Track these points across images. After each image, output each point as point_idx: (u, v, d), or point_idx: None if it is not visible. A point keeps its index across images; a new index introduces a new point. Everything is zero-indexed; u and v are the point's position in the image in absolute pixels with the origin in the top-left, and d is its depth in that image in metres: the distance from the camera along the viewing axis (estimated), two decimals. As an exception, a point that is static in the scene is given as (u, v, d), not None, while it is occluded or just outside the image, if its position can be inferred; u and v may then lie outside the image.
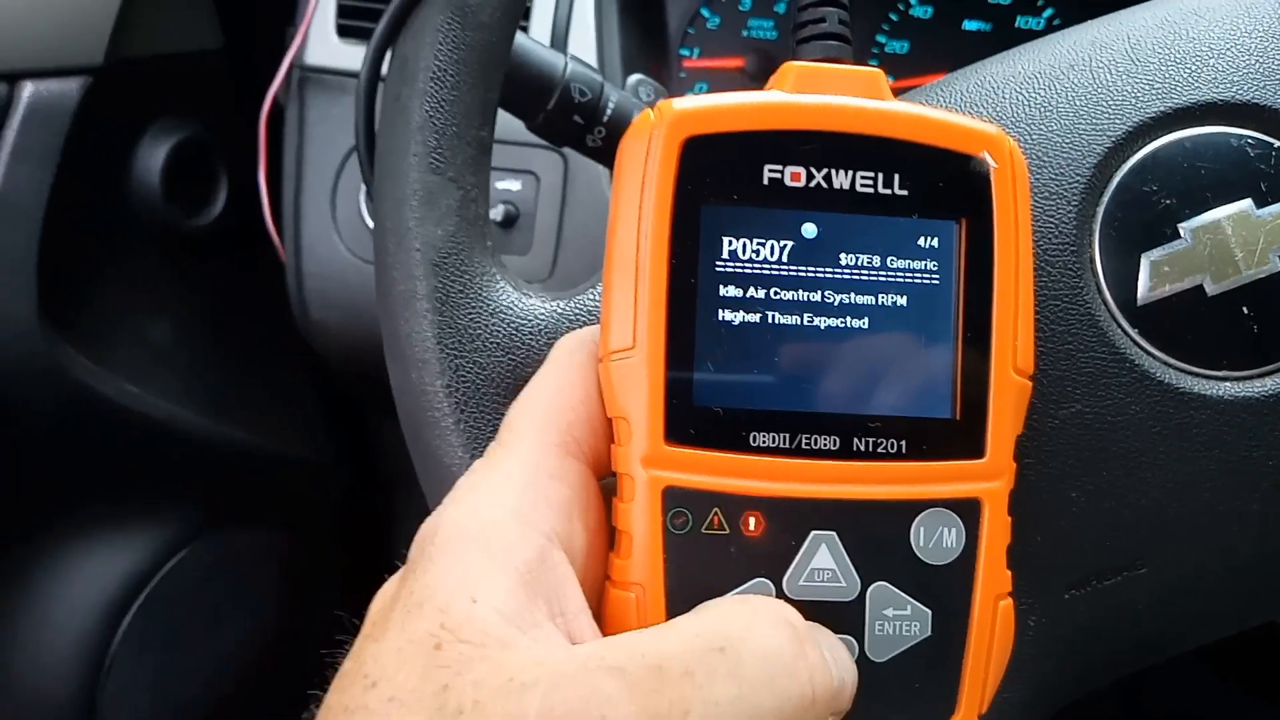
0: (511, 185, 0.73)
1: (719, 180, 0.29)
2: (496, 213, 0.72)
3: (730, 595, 0.28)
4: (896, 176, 0.30)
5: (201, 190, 0.82)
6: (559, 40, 0.72)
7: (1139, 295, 0.35)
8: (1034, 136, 0.36)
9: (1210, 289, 0.35)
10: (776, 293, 0.29)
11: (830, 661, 0.27)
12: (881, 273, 0.30)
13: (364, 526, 1.03)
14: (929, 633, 0.30)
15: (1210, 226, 0.35)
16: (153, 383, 0.80)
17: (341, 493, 1.03)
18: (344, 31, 0.77)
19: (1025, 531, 0.34)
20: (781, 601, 0.28)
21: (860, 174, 0.30)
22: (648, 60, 0.80)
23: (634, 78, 0.54)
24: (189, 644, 0.86)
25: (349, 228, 0.75)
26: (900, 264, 0.30)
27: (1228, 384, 0.35)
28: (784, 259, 0.29)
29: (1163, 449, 0.34)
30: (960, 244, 0.30)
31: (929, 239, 0.30)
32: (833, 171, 0.29)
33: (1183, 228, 0.35)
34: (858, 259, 0.30)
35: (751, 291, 0.29)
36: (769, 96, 0.30)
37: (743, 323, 0.29)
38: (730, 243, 0.29)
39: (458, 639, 0.24)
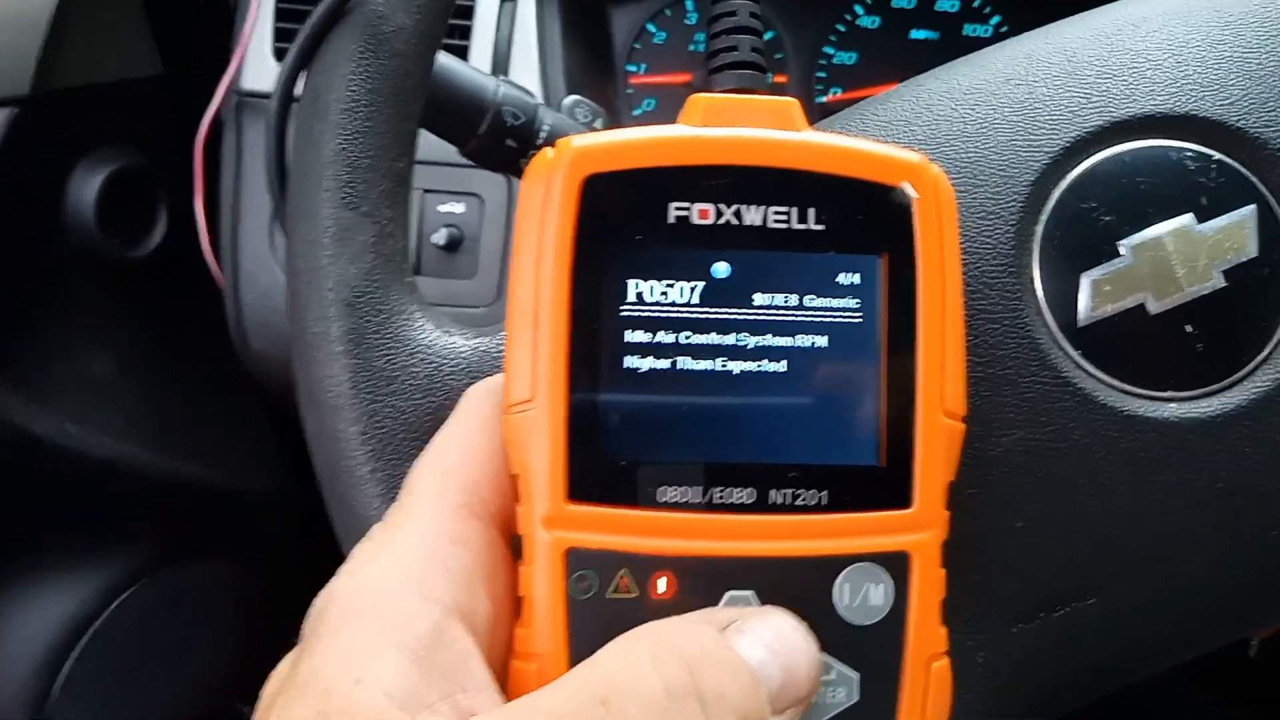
0: (455, 208, 0.71)
1: (622, 220, 0.28)
2: (440, 236, 0.70)
3: (626, 634, 0.26)
4: (812, 211, 0.28)
5: (141, 219, 0.80)
6: (500, 61, 0.71)
7: (1080, 316, 0.34)
8: (969, 154, 0.35)
9: (1152, 307, 0.34)
10: (687, 337, 0.28)
11: (758, 662, 0.25)
12: (799, 313, 0.28)
13: (324, 554, 1.00)
14: (856, 698, 0.28)
15: (1151, 243, 0.34)
16: (94, 420, 0.77)
17: (299, 521, 1.01)
18: (281, 55, 0.75)
19: (969, 564, 0.33)
20: (680, 628, 0.26)
21: (773, 209, 0.28)
22: (593, 78, 0.79)
23: (569, 99, 0.52)
24: (138, 689, 0.84)
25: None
26: (819, 303, 0.28)
27: (1173, 405, 0.34)
28: (694, 301, 0.28)
29: (1108, 474, 0.33)
30: (883, 280, 0.28)
31: (849, 275, 0.28)
32: (743, 207, 0.28)
33: (1123, 245, 0.34)
34: (773, 299, 0.28)
35: (660, 336, 0.27)
36: (674, 130, 0.29)
37: (650, 370, 0.27)
38: (636, 285, 0.27)
39: None
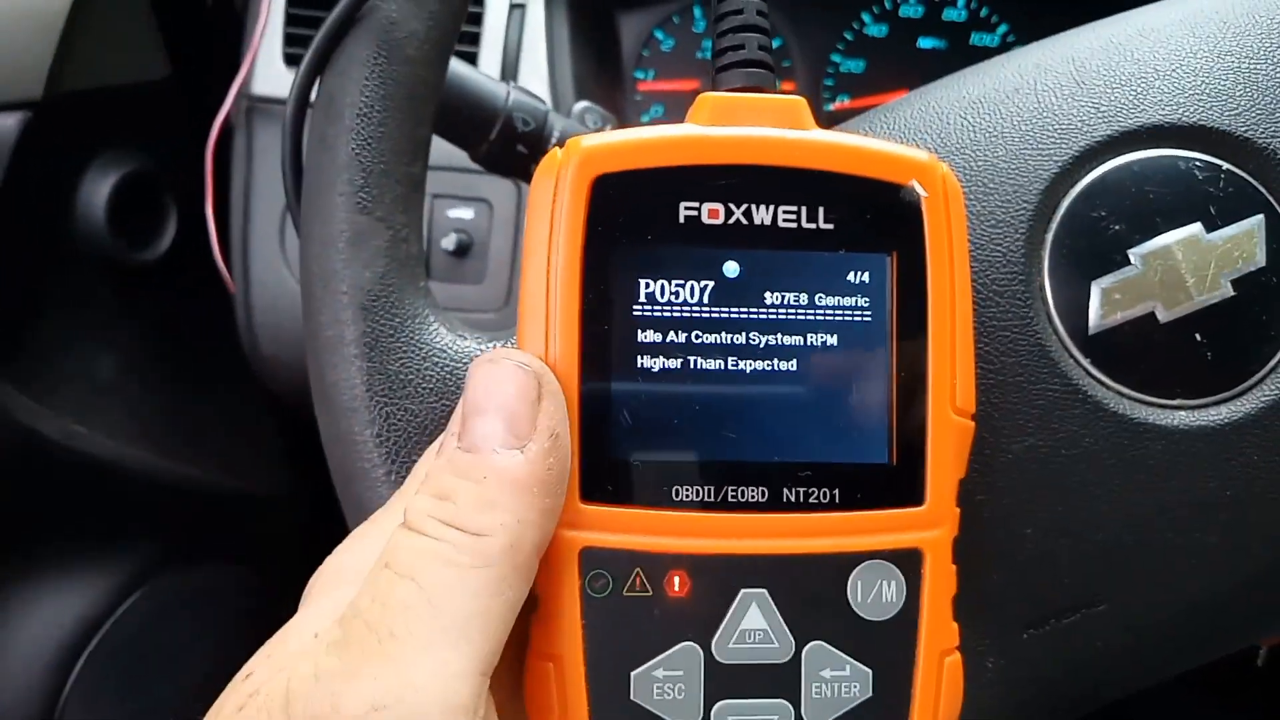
0: (464, 213, 0.72)
1: (632, 220, 0.28)
2: (449, 241, 0.71)
3: None
4: (821, 210, 0.28)
5: (150, 222, 0.80)
6: (509, 68, 0.71)
7: (1090, 324, 0.34)
8: (979, 163, 0.35)
9: (1162, 316, 0.34)
10: (698, 336, 0.28)
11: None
12: (809, 311, 0.28)
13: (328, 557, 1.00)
14: (870, 694, 0.28)
15: (1160, 252, 0.34)
16: (101, 421, 0.78)
17: (304, 525, 1.01)
18: (291, 60, 0.76)
19: (980, 570, 0.33)
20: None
21: (782, 208, 0.28)
22: (601, 84, 0.79)
23: (579, 105, 0.53)
24: (147, 690, 0.84)
25: (299, 260, 0.73)
26: (829, 301, 0.28)
27: (1182, 413, 0.34)
28: (705, 300, 0.28)
29: (1118, 481, 0.34)
30: (892, 278, 0.28)
31: (859, 274, 0.28)
32: (753, 207, 0.28)
33: (1133, 254, 0.34)
34: (784, 298, 0.28)
35: (671, 336, 0.28)
36: (683, 130, 0.29)
37: (663, 369, 0.28)
38: (647, 285, 0.28)
39: None
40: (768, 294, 0.28)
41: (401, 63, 0.35)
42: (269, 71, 0.76)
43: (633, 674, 0.27)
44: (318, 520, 1.01)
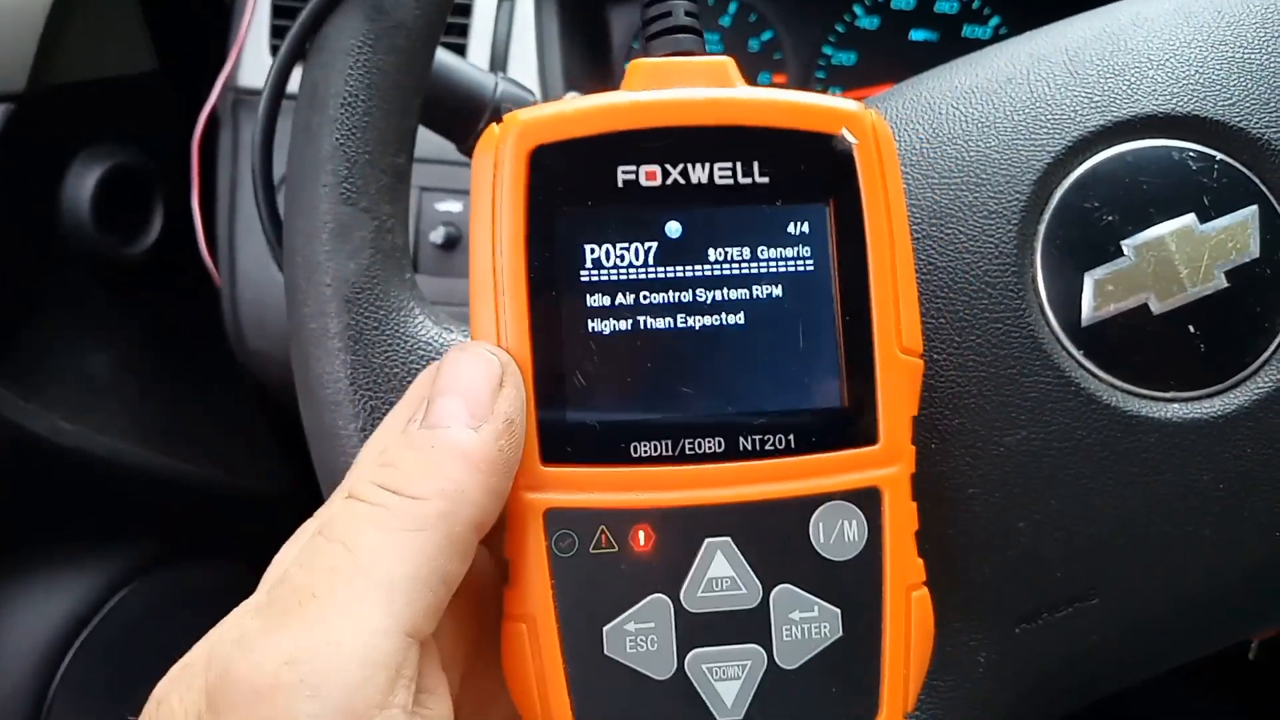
0: (452, 206, 0.71)
1: (572, 187, 0.28)
2: (437, 235, 0.70)
3: None
4: (755, 164, 0.29)
5: (137, 217, 0.80)
6: (498, 59, 0.71)
7: (1083, 316, 0.34)
8: (972, 154, 0.35)
9: (1155, 307, 0.34)
10: (646, 297, 0.28)
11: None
12: (753, 264, 0.29)
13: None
14: (840, 633, 0.28)
15: (1153, 243, 0.34)
16: (91, 418, 0.77)
17: (299, 522, 1.00)
18: (277, 51, 0.75)
19: (972, 564, 0.33)
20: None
21: (718, 166, 0.28)
22: (591, 76, 0.78)
23: (567, 96, 0.52)
24: (138, 686, 0.83)
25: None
26: (771, 253, 0.29)
27: (1175, 405, 0.34)
28: (650, 261, 0.28)
29: (1111, 474, 0.33)
30: (831, 226, 0.29)
31: (798, 225, 0.29)
32: (689, 166, 0.28)
33: (1126, 245, 0.34)
34: (727, 253, 0.29)
35: (620, 298, 0.28)
36: (615, 97, 0.29)
37: (613, 331, 0.28)
38: (592, 250, 0.28)
39: None
40: (711, 250, 0.29)
41: (387, 52, 0.34)
42: (256, 63, 0.75)
43: (605, 629, 0.28)
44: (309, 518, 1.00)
